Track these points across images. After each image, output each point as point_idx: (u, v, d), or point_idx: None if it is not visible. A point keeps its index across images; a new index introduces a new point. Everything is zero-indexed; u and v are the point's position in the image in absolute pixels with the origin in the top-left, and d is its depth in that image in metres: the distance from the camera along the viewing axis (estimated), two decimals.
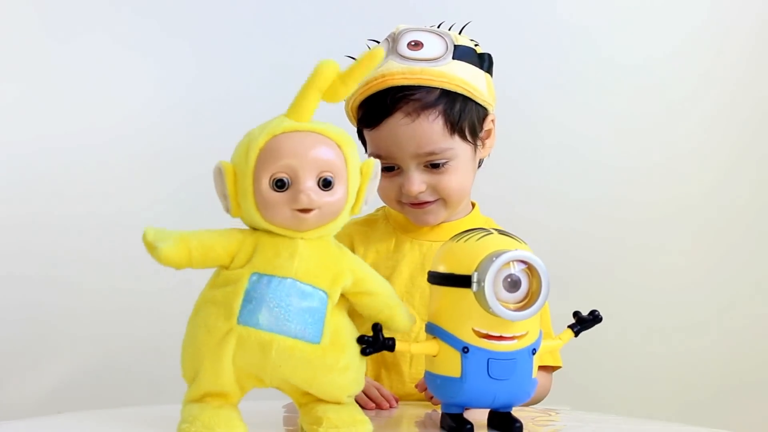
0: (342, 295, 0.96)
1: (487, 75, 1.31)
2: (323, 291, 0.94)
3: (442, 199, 1.29)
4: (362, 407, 1.10)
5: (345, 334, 0.96)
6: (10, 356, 1.81)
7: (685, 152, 2.03)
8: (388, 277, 1.30)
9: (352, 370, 0.96)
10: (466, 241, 0.97)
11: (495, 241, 0.97)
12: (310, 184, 0.91)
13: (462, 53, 1.28)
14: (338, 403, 0.96)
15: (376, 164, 0.98)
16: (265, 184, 0.91)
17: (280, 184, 0.91)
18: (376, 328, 0.96)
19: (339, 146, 0.94)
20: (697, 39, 2.03)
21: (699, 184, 2.03)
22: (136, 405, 1.19)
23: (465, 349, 0.95)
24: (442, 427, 1.01)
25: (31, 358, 1.82)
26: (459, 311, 0.96)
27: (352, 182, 0.95)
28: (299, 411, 0.98)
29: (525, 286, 0.95)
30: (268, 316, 0.91)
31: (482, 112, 1.30)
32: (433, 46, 1.27)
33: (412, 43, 1.27)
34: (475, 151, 1.31)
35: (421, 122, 1.24)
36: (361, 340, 0.95)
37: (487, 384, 0.96)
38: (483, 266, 0.93)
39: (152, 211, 1.80)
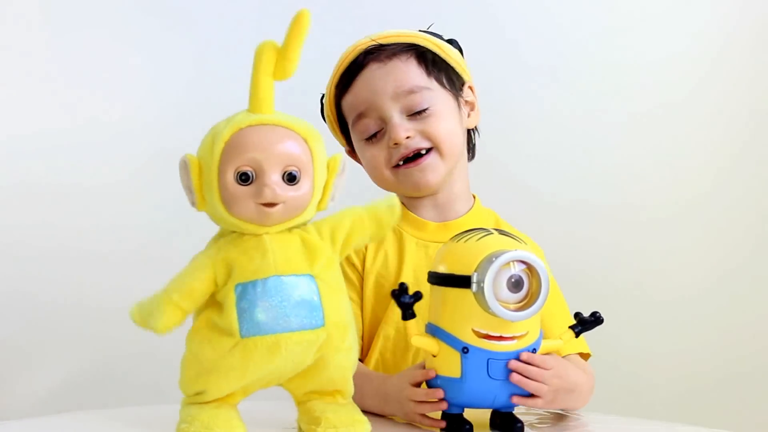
0: (337, 278, 0.96)
1: (458, 53, 1.33)
2: (308, 275, 0.93)
3: (436, 148, 1.26)
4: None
5: (345, 313, 0.95)
6: (10, 356, 1.81)
7: (685, 153, 2.02)
8: (394, 282, 1.27)
9: (354, 351, 0.96)
10: (466, 241, 0.97)
11: (495, 242, 0.97)
12: (274, 178, 0.91)
13: (429, 33, 1.32)
14: (336, 402, 0.96)
15: (343, 158, 0.97)
16: (230, 177, 0.91)
17: (244, 178, 0.91)
18: (402, 286, 0.97)
19: (305, 140, 0.93)
20: (697, 39, 2.03)
21: (699, 185, 2.03)
22: (136, 405, 1.19)
23: (465, 350, 0.95)
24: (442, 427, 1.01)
25: (31, 358, 1.82)
26: (459, 312, 0.96)
27: (318, 177, 0.94)
28: (297, 411, 0.98)
29: (526, 286, 0.95)
30: (267, 319, 0.91)
31: (459, 77, 1.31)
32: (402, 29, 1.31)
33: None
34: (459, 106, 1.30)
35: (394, 63, 1.26)
36: (394, 293, 0.98)
37: (486, 384, 0.96)
38: (483, 267, 0.93)
39: (152, 210, 1.80)
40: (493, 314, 0.93)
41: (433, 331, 0.98)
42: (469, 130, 1.35)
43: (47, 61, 1.84)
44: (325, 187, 0.96)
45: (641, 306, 1.99)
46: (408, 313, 0.96)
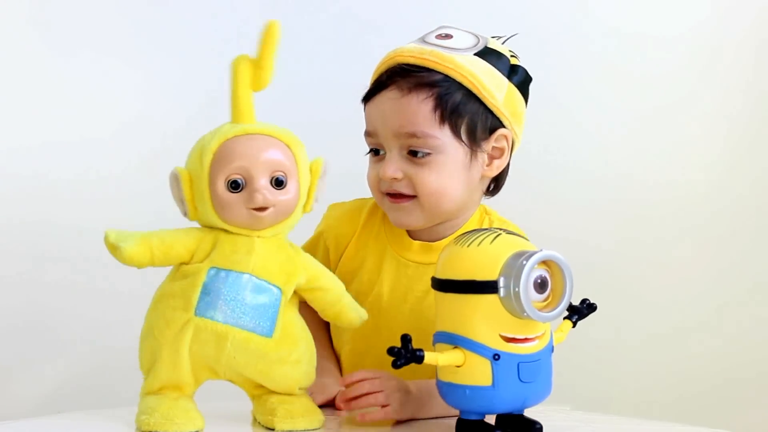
0: (294, 292, 1.01)
1: (512, 86, 1.21)
2: (278, 287, 0.98)
3: (417, 199, 1.18)
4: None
5: (296, 328, 1.00)
6: (10, 356, 1.81)
7: (684, 153, 2.03)
8: (366, 291, 1.23)
9: (304, 363, 1.01)
10: (479, 244, 0.94)
11: (510, 242, 0.94)
12: (263, 183, 0.96)
13: (488, 54, 1.20)
14: (290, 395, 0.99)
15: (325, 162, 1.02)
16: (221, 186, 0.96)
17: (235, 186, 0.96)
18: (405, 339, 0.91)
19: (288, 147, 0.99)
20: (697, 38, 2.03)
21: (698, 186, 2.03)
22: (136, 405, 1.19)
23: (496, 357, 0.93)
24: None
25: (31, 358, 1.82)
26: (484, 318, 0.93)
27: (303, 181, 1.00)
28: (252, 403, 1.01)
29: (549, 285, 0.94)
30: (225, 309, 0.95)
31: (491, 121, 1.20)
32: (461, 40, 1.20)
33: (442, 35, 1.21)
34: (472, 158, 1.19)
35: (409, 99, 1.16)
36: (391, 351, 0.90)
37: (518, 388, 0.94)
38: (510, 270, 0.90)
39: (150, 213, 1.80)
40: (527, 317, 0.90)
41: (454, 340, 0.94)
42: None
43: (45, 73, 1.84)
44: (309, 190, 1.02)
45: (640, 305, 1.99)
46: (420, 356, 0.91)
